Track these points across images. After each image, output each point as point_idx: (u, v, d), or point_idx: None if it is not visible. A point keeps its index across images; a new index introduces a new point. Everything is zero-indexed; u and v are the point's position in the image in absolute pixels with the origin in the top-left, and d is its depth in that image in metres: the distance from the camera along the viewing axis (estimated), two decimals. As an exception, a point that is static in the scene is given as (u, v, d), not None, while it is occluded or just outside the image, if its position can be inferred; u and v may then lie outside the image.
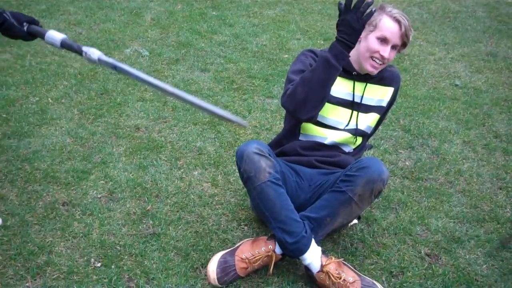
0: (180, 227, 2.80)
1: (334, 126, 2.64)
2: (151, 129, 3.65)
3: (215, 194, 3.08)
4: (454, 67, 5.04)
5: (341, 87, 2.60)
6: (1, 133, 3.46)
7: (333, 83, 2.43)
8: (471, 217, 3.03)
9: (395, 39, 2.50)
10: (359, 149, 2.79)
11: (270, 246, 2.50)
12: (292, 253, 2.44)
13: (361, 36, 2.52)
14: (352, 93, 2.62)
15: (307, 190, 2.64)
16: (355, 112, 2.65)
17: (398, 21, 2.47)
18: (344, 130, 2.65)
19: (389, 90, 2.71)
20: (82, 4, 5.87)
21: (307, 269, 2.49)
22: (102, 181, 3.10)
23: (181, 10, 5.96)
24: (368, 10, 2.25)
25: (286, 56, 4.99)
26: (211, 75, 4.51)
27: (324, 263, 2.44)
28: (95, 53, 2.19)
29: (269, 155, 2.45)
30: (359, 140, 2.73)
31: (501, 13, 6.66)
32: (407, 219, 2.97)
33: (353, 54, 2.57)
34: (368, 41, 2.52)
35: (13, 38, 2.35)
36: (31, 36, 2.32)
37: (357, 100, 2.64)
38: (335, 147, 2.69)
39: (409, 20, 2.51)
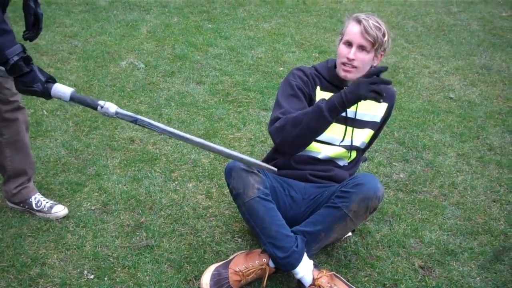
0: (173, 239, 2.79)
1: (329, 142, 2.65)
2: (146, 142, 3.65)
3: (209, 206, 3.08)
4: (449, 80, 5.06)
5: None
6: (-4, 145, 3.46)
7: (323, 131, 2.46)
8: (464, 230, 3.04)
9: (358, 39, 2.48)
10: (354, 163, 2.80)
11: (264, 259, 2.50)
12: (283, 268, 2.45)
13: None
14: None
15: (301, 203, 2.64)
16: (349, 128, 2.65)
17: (359, 21, 2.48)
18: (339, 145, 2.66)
19: (383, 106, 2.71)
20: (78, 17, 5.89)
21: (299, 282, 2.49)
22: (96, 193, 3.10)
23: (177, 23, 5.98)
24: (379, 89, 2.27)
25: (282, 68, 5.01)
26: (206, 87, 4.52)
27: (316, 277, 2.44)
28: (112, 106, 2.18)
29: (258, 170, 2.46)
30: (354, 154, 2.73)
31: (495, 27, 6.70)
32: (401, 231, 2.97)
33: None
34: (338, 49, 2.56)
35: (29, 92, 2.20)
36: (47, 92, 2.20)
37: (351, 115, 2.65)
38: (330, 161, 2.69)
39: (377, 20, 2.50)
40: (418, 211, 3.17)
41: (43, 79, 2.18)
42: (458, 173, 3.59)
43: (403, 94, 4.68)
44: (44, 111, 3.93)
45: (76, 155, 3.45)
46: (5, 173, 2.86)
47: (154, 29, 5.75)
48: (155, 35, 5.59)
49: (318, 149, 2.65)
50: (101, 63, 4.81)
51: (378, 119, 2.71)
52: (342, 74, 2.55)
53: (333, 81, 2.62)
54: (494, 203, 3.30)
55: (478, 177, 3.56)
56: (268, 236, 2.41)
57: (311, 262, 2.47)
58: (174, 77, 4.66)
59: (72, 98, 2.20)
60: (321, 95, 2.60)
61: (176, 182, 3.26)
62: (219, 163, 3.47)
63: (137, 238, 2.79)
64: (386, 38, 2.51)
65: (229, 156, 2.41)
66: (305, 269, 2.43)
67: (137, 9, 6.30)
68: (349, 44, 2.51)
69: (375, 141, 2.99)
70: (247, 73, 4.85)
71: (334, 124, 2.60)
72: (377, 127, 2.75)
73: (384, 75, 2.51)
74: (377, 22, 2.49)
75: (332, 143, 2.65)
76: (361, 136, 2.69)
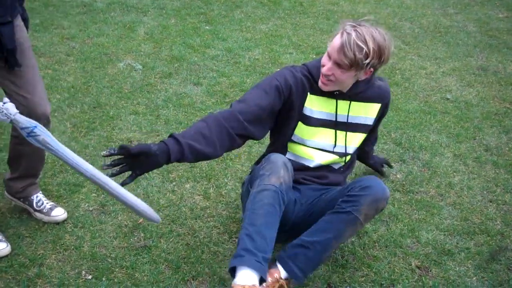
0: (171, 240, 2.80)
1: (322, 148, 2.62)
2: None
3: (206, 206, 3.09)
4: (445, 81, 5.08)
5: (323, 107, 2.56)
6: (-6, 146, 3.47)
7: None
8: (461, 230, 3.05)
9: (334, 55, 2.33)
10: (349, 164, 2.78)
11: (276, 275, 2.40)
12: (235, 259, 2.26)
13: None
14: (334, 113, 2.57)
15: (299, 208, 2.61)
16: (342, 132, 2.61)
17: (342, 35, 2.31)
18: (332, 152, 2.63)
19: (375, 107, 2.65)
20: (76, 18, 5.89)
21: (230, 272, 2.31)
22: (94, 194, 3.11)
23: (175, 25, 5.99)
24: None
25: (278, 70, 5.01)
26: (203, 88, 4.53)
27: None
28: (13, 108, 2.13)
29: (292, 175, 2.45)
30: (348, 157, 2.72)
31: (492, 28, 6.72)
32: (397, 231, 2.99)
33: None
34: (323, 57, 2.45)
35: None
36: None
37: (343, 119, 2.59)
38: (324, 167, 2.68)
39: (368, 35, 2.30)
40: (415, 211, 3.18)
41: None
42: (454, 173, 3.60)
43: (400, 95, 4.70)
44: (41, 112, 3.93)
45: (73, 156, 3.45)
46: (17, 171, 2.84)
47: (152, 30, 5.75)
48: (153, 36, 5.59)
49: (311, 157, 2.63)
50: (98, 64, 4.82)
51: (370, 121, 2.67)
52: (319, 84, 2.48)
53: None
54: (491, 203, 3.32)
55: (474, 177, 3.58)
56: (250, 224, 2.29)
57: (256, 280, 2.24)
58: (171, 78, 4.67)
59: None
60: (312, 99, 2.53)
61: (174, 183, 3.27)
62: (217, 164, 3.48)
63: (135, 238, 2.80)
64: (369, 60, 2.30)
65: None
66: (245, 280, 2.21)
67: (134, 11, 6.30)
68: (329, 56, 2.39)
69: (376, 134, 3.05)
70: (244, 74, 4.86)
71: (322, 129, 2.58)
72: (370, 129, 2.72)
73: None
74: (364, 39, 2.28)
75: (324, 149, 2.62)
76: (354, 140, 2.67)
